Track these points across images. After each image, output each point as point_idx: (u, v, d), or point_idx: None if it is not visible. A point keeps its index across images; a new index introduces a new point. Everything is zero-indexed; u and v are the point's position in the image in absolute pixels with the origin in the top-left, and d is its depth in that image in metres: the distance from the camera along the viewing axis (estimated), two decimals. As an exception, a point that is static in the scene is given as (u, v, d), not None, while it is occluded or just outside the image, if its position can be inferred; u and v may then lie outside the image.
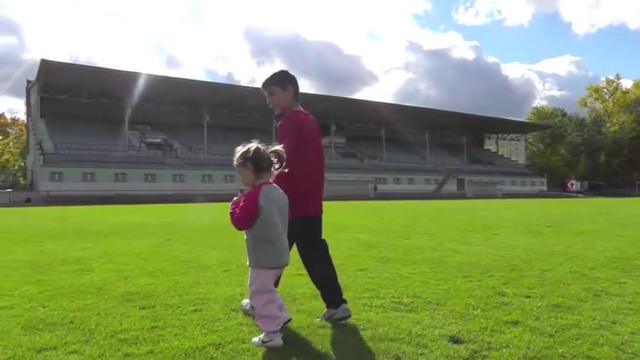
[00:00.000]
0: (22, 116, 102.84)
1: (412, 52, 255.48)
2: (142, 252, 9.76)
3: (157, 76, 70.24)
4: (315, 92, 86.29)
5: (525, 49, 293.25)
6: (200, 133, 71.62)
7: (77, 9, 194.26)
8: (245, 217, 3.88)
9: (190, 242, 11.29)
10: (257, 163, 3.96)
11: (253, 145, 4.02)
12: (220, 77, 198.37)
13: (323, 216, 5.01)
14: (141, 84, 66.09)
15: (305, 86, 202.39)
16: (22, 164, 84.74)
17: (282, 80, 4.91)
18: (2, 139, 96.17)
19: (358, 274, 6.93)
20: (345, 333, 4.13)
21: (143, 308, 5.18)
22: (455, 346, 3.79)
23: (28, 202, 52.04)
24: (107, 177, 61.82)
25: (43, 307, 5.35)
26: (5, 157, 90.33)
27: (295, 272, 6.93)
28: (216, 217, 21.47)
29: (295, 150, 4.43)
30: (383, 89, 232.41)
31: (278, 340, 3.84)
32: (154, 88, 68.51)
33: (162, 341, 4.05)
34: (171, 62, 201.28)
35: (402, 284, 6.14)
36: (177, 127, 76.02)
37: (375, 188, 77.25)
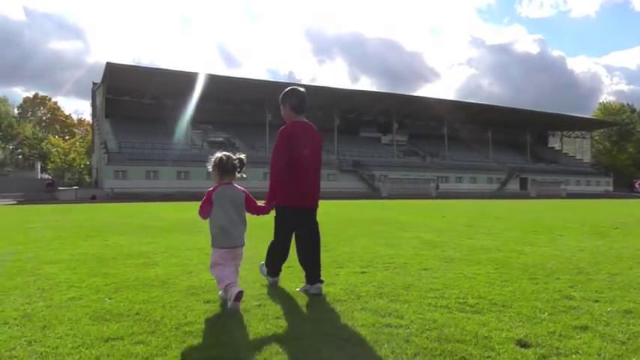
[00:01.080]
0: (87, 117, 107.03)
1: (475, 47, 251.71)
2: (205, 247, 9.88)
3: (218, 76, 71.57)
4: (376, 90, 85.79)
5: (592, 41, 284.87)
6: (262, 132, 72.19)
7: (139, 13, 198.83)
8: (202, 209, 5.29)
9: (254, 238, 11.28)
10: (221, 168, 5.30)
11: (219, 154, 5.35)
12: (281, 76, 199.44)
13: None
14: (202, 84, 67.29)
15: (366, 84, 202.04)
16: (88, 163, 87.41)
17: (282, 99, 5.93)
18: (69, 139, 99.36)
19: (422, 273, 6.85)
20: (410, 333, 4.08)
21: (207, 302, 5.28)
22: (522, 350, 3.71)
23: (93, 198, 53.56)
24: (169, 175, 63.09)
25: (110, 299, 5.53)
26: (72, 155, 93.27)
27: (359, 270, 7.00)
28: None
29: (285, 155, 5.64)
30: (445, 86, 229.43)
31: (224, 295, 5.10)
32: (216, 87, 69.68)
33: (226, 334, 4.13)
34: (232, 62, 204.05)
35: (466, 285, 6.04)
36: (240, 126, 76.97)
37: (437, 187, 76.35)
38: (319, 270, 5.74)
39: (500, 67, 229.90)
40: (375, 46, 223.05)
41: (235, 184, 5.41)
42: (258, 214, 5.63)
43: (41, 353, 3.83)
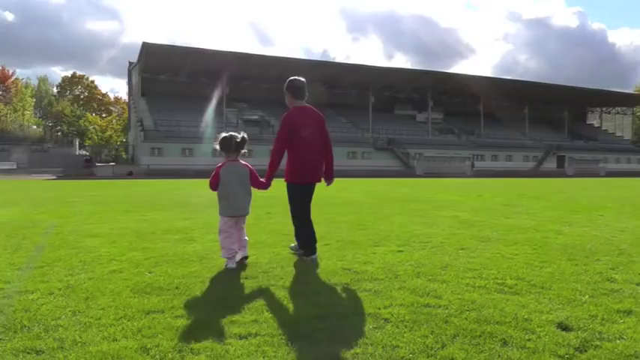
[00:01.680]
0: (123, 95, 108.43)
1: (511, 22, 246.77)
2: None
3: (252, 54, 71.64)
4: (411, 67, 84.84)
5: (636, 12, 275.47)
6: (297, 110, 72.14)
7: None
8: (212, 182, 6.17)
9: (289, 216, 11.34)
10: (224, 146, 6.11)
11: (222, 134, 6.19)
12: (315, 54, 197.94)
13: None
14: (237, 63, 67.43)
15: (401, 61, 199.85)
16: (124, 140, 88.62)
17: (285, 88, 6.60)
18: (106, 117, 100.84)
19: (459, 252, 6.82)
20: (449, 314, 4.07)
21: (246, 278, 5.35)
22: (564, 333, 3.66)
23: (129, 174, 54.21)
24: (205, 152, 63.39)
25: (150, 273, 5.66)
26: (109, 133, 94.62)
27: (396, 249, 7.00)
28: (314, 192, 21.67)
29: (283, 143, 6.34)
30: (481, 62, 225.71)
31: (231, 264, 5.85)
32: (251, 66, 69.76)
33: (267, 311, 4.17)
34: (266, 40, 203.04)
35: (504, 265, 5.99)
36: (275, 104, 76.55)
37: (473, 165, 75.62)
38: (313, 237, 6.48)
39: (538, 42, 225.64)
40: (410, 23, 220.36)
41: (241, 161, 6.25)
42: (259, 188, 6.38)
43: (85, 323, 3.94)
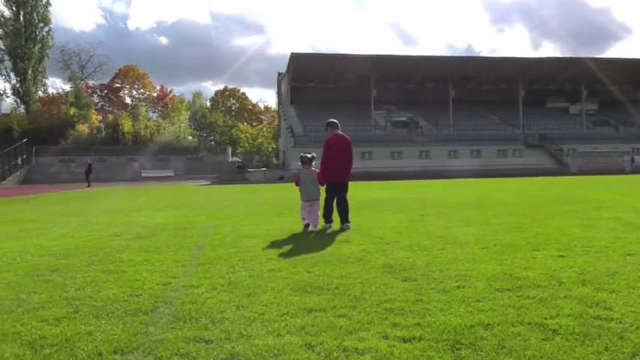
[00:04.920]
0: (272, 104, 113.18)
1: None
2: (396, 226, 10.04)
3: (397, 55, 71.70)
4: (560, 55, 79.36)
5: None
6: (445, 109, 70.97)
7: (313, 3, 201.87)
8: (295, 181, 10.28)
9: (443, 218, 11.38)
10: (302, 161, 10.27)
11: (301, 155, 10.39)
12: (459, 50, 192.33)
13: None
14: (383, 65, 67.78)
15: (549, 50, 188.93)
16: (275, 146, 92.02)
17: (325, 126, 10.88)
18: (256, 125, 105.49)
19: (627, 259, 6.33)
20: (624, 329, 3.79)
21: (405, 280, 5.36)
22: None
23: (281, 179, 55.81)
24: (354, 156, 63.98)
25: (308, 272, 5.85)
26: (259, 140, 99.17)
27: (556, 254, 6.72)
28: (466, 193, 21.37)
29: (325, 158, 10.30)
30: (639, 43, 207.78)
31: (305, 229, 9.72)
32: (397, 67, 69.63)
33: (429, 315, 4.15)
34: (409, 40, 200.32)
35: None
36: (423, 105, 76.11)
37: (632, 160, 70.14)
38: (347, 215, 10.16)
39: None
40: (556, 7, 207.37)
41: (312, 168, 10.26)
42: (321, 184, 10.17)
43: (249, 318, 4.17)
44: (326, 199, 10.24)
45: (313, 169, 10.18)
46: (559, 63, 75.75)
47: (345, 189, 10.43)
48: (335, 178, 10.22)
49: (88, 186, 39.07)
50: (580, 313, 4.10)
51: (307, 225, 9.71)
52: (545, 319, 3.99)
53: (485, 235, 8.58)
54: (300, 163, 10.34)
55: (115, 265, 6.56)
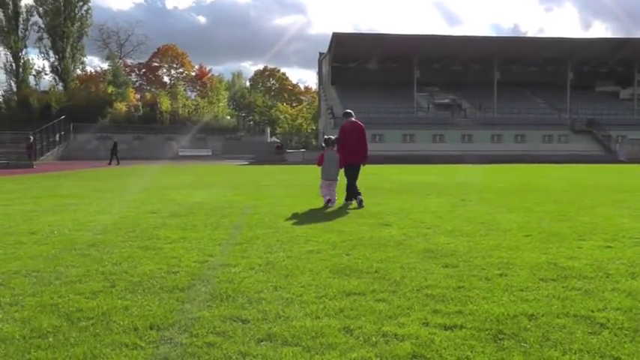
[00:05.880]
0: (312, 85, 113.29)
1: None
2: (437, 211, 9.92)
3: (442, 36, 70.74)
4: (611, 36, 75.26)
5: None
6: (489, 91, 69.50)
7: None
8: (319, 161, 11.37)
9: (485, 203, 11.22)
10: (326, 142, 11.64)
11: (325, 137, 12.49)
12: (505, 30, 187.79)
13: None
14: (426, 45, 66.65)
15: (600, 30, 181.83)
16: (314, 127, 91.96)
17: (342, 116, 12.20)
18: (296, 106, 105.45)
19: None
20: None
21: (446, 266, 5.28)
22: None
23: (320, 160, 55.88)
24: (395, 138, 63.45)
25: (348, 255, 5.81)
26: (299, 121, 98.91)
27: (603, 244, 6.54)
28: (509, 179, 21.10)
29: (342, 141, 11.39)
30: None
31: (325, 206, 10.60)
32: (440, 48, 68.47)
33: (471, 303, 4.07)
34: (453, 20, 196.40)
35: None
36: (467, 87, 74.85)
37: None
38: (357, 192, 10.95)
39: None
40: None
41: (334, 150, 11.29)
42: (340, 167, 11.16)
43: (287, 299, 4.15)
44: (348, 180, 11.21)
45: (334, 150, 11.28)
46: (610, 44, 72.69)
47: (357, 171, 11.46)
48: (350, 159, 11.31)
49: (109, 164, 39.44)
50: (629, 307, 3.95)
51: (329, 201, 10.74)
52: (592, 312, 3.85)
53: (529, 222, 8.41)
54: (323, 145, 11.68)
55: (151, 242, 6.63)
